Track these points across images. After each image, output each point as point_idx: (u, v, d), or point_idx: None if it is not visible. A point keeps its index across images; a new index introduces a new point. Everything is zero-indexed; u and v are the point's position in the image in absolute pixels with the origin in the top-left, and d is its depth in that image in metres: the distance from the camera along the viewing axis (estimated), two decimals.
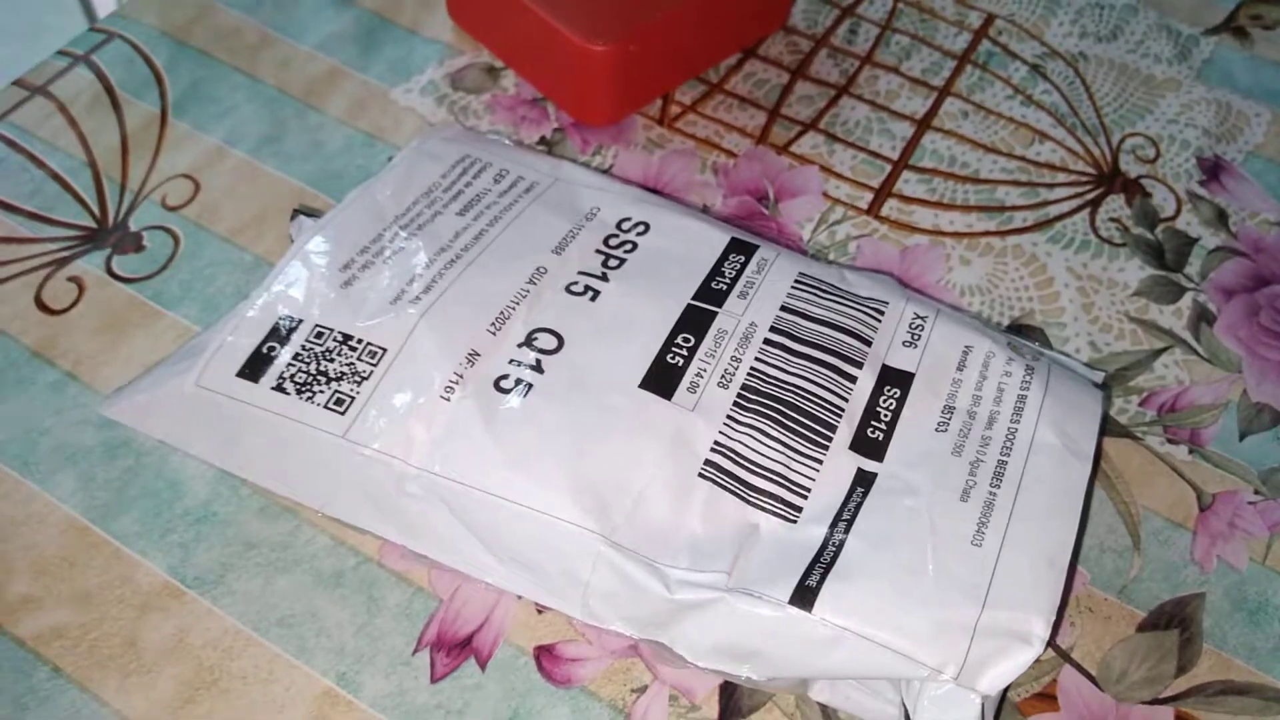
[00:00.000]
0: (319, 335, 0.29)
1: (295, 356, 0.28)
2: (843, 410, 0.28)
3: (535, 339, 0.29)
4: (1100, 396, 0.30)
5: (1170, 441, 0.33)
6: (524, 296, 0.29)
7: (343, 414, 0.27)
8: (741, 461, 0.27)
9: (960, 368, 0.29)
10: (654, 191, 0.36)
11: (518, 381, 0.28)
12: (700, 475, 0.27)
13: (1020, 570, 0.25)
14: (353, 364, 0.28)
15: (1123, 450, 0.32)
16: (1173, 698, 0.28)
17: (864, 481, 0.27)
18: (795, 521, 0.27)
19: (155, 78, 0.39)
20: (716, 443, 0.27)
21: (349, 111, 0.39)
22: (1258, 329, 0.35)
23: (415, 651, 0.28)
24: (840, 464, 0.27)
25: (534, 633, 0.28)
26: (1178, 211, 0.38)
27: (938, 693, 0.24)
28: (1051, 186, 0.38)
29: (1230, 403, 0.33)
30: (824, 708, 0.28)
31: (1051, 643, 0.29)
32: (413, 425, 0.27)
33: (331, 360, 0.28)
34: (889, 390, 0.29)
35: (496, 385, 0.28)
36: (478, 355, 0.28)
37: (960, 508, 0.26)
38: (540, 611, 0.29)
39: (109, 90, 0.39)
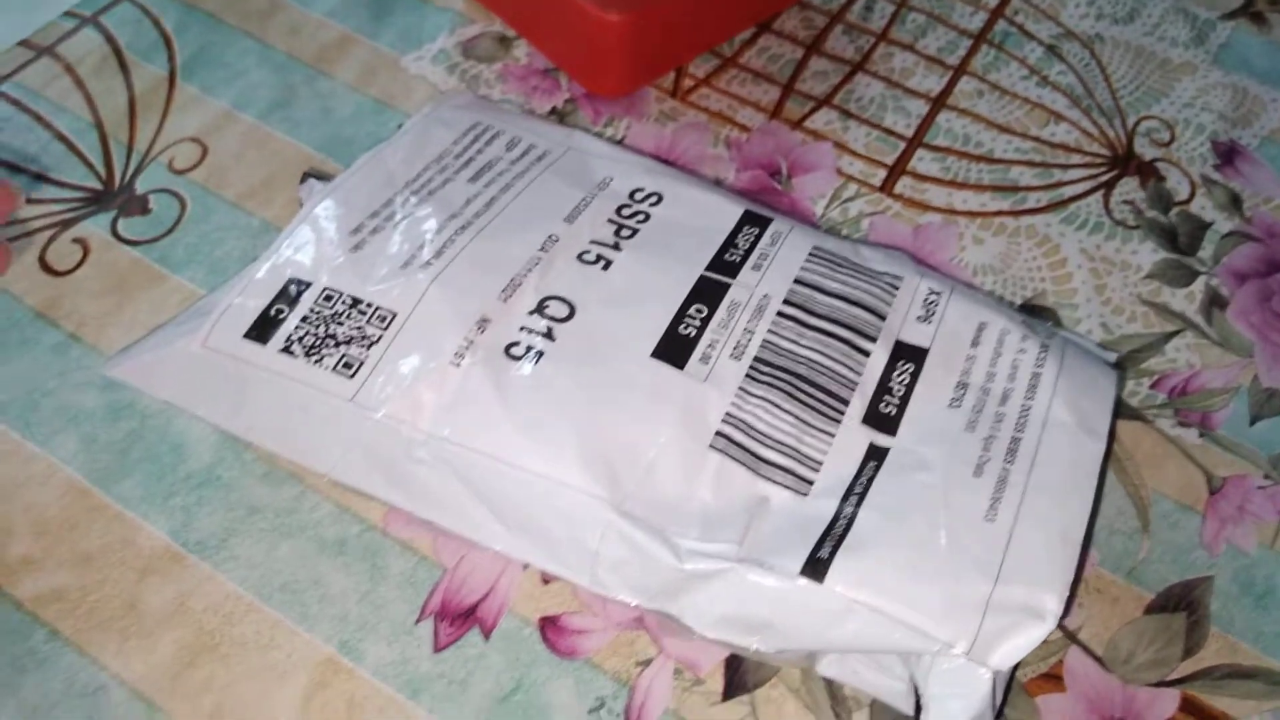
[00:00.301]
0: (328, 298, 0.28)
1: (304, 319, 0.28)
2: (855, 384, 0.28)
3: (547, 306, 0.28)
4: (1114, 375, 0.30)
5: (1181, 425, 0.32)
6: (535, 264, 0.29)
7: (351, 377, 0.27)
8: (753, 434, 0.27)
9: (975, 344, 0.29)
10: (667, 163, 0.35)
11: (529, 349, 0.27)
12: (711, 447, 0.27)
13: (1034, 546, 0.25)
14: (361, 328, 0.28)
15: (1133, 432, 0.32)
16: (1179, 680, 0.28)
17: (876, 455, 0.27)
18: (806, 494, 0.26)
19: (164, 40, 0.39)
20: (728, 414, 0.27)
21: (359, 78, 0.38)
22: (1270, 314, 0.35)
23: (419, 620, 0.28)
24: (853, 438, 0.27)
25: (539, 604, 0.28)
26: (1192, 195, 0.37)
27: (948, 668, 0.24)
28: (1066, 168, 0.38)
29: (1241, 387, 0.33)
30: (829, 683, 0.27)
31: (1062, 621, 0.29)
32: (422, 390, 0.27)
33: (340, 324, 0.28)
34: (902, 365, 0.28)
35: (507, 352, 0.27)
36: (488, 322, 0.28)
37: (973, 483, 0.26)
38: (546, 582, 0.29)
39: (117, 52, 0.38)
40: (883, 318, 0.29)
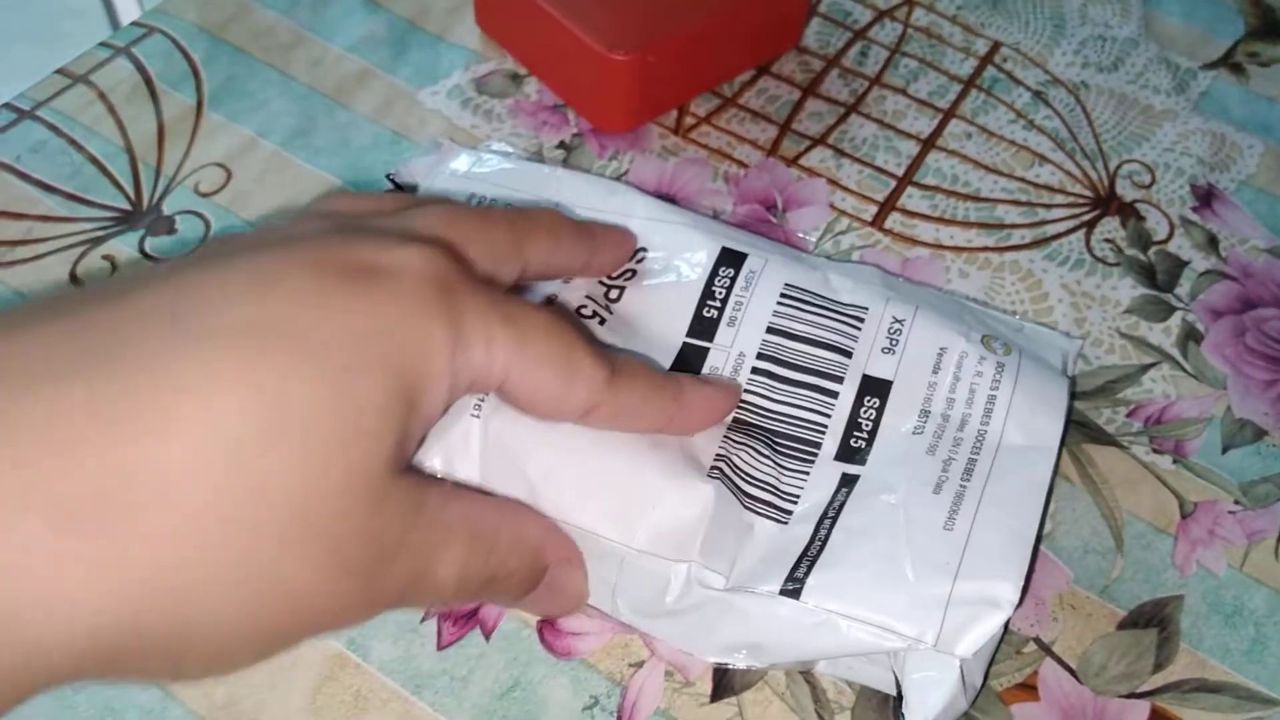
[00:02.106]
0: None
1: None
2: (826, 427, 0.30)
3: None
4: (1066, 385, 0.32)
5: (1155, 451, 0.34)
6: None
7: None
8: (738, 472, 0.29)
9: (935, 370, 0.31)
10: (659, 196, 0.37)
11: None
12: (706, 479, 0.28)
13: (989, 546, 0.27)
14: None
15: (1109, 458, 0.33)
16: (1149, 692, 0.29)
17: (848, 483, 0.29)
18: (786, 523, 0.29)
19: (192, 71, 0.41)
20: (717, 454, 0.29)
21: (377, 110, 0.40)
22: (1243, 349, 0.36)
23: (423, 620, 0.29)
24: (826, 472, 0.29)
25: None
26: (1170, 235, 0.39)
27: (920, 659, 0.26)
28: (1050, 207, 0.40)
29: (1214, 417, 0.35)
30: (813, 687, 0.29)
31: (1038, 634, 0.30)
32: (455, 442, 0.28)
33: None
34: (869, 400, 0.30)
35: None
36: None
37: (933, 499, 0.28)
38: None
39: (148, 81, 0.40)
40: (849, 355, 0.31)
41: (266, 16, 0.43)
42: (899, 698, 0.27)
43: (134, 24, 0.42)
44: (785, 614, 0.27)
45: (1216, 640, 0.30)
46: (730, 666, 0.29)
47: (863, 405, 0.30)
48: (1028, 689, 0.29)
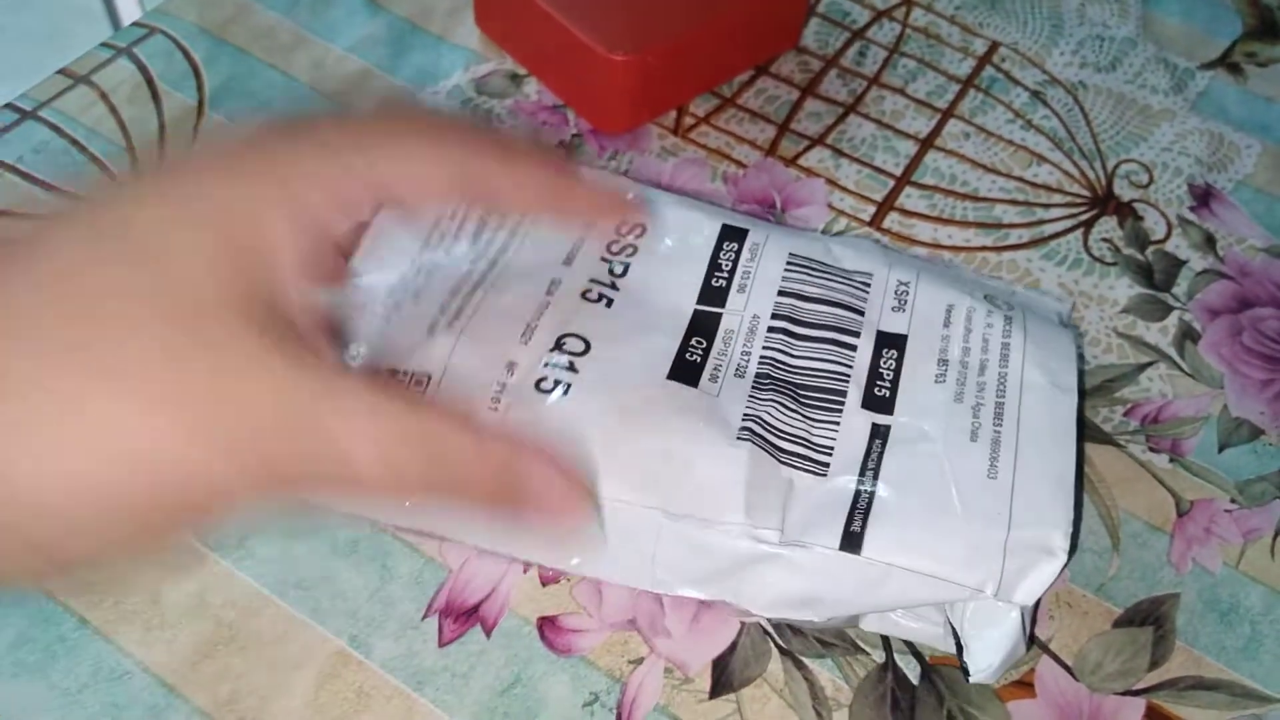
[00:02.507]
0: None
1: None
2: (849, 376, 0.30)
3: (564, 343, 0.30)
4: (1071, 333, 0.33)
5: (1152, 450, 0.34)
6: (545, 308, 0.31)
7: None
8: (769, 428, 0.29)
9: (946, 324, 0.32)
10: (648, 183, 0.37)
11: (556, 382, 0.29)
12: (739, 439, 0.28)
13: (1034, 493, 0.28)
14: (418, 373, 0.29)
15: (1106, 457, 0.34)
16: (1144, 690, 0.30)
17: (880, 434, 0.30)
18: (825, 475, 0.29)
19: (193, 71, 0.41)
20: (745, 414, 0.29)
21: None
22: (1240, 348, 0.36)
23: (424, 617, 0.30)
24: (855, 422, 0.30)
25: (538, 604, 0.30)
26: (1168, 235, 0.39)
27: (981, 609, 0.27)
28: (1047, 207, 0.40)
29: (1211, 416, 0.35)
30: (811, 684, 0.29)
31: (1035, 631, 0.30)
32: None
33: None
34: (887, 352, 0.31)
35: (537, 387, 0.29)
36: (515, 364, 0.30)
37: (971, 447, 0.29)
38: (544, 584, 0.30)
39: (149, 81, 0.41)
40: (861, 313, 0.32)
41: (268, 17, 0.43)
42: (959, 649, 0.27)
43: (135, 24, 0.42)
44: (845, 567, 0.28)
45: (1212, 638, 0.31)
46: (789, 619, 0.29)
47: (881, 357, 0.31)
48: (1024, 686, 0.30)
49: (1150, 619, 0.31)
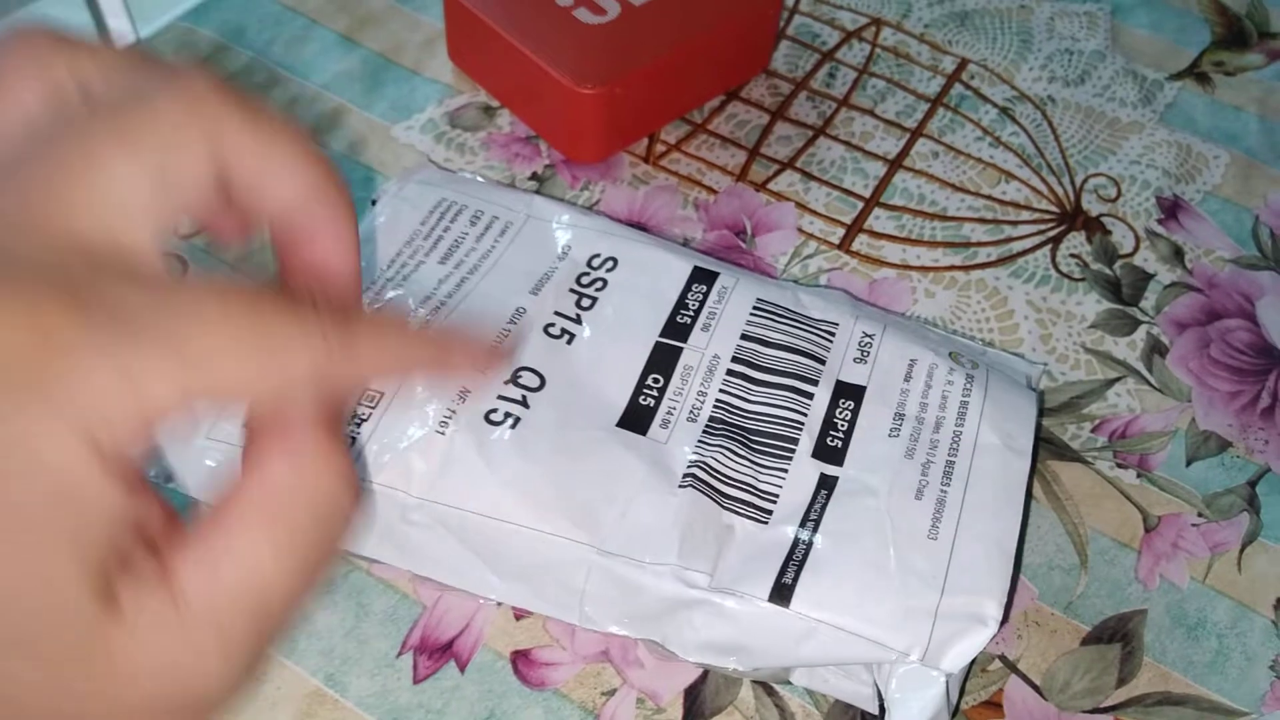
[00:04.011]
0: None
1: None
2: (803, 425, 0.30)
3: (520, 377, 0.31)
4: (1034, 397, 0.32)
5: (1120, 466, 0.34)
6: (506, 339, 0.32)
7: None
8: (714, 474, 0.29)
9: (907, 378, 0.32)
10: (630, 224, 0.37)
11: (506, 415, 0.30)
12: (680, 486, 0.29)
13: (973, 558, 0.28)
14: (353, 409, 0.30)
15: (1073, 474, 0.34)
16: (1113, 707, 0.30)
17: (827, 485, 0.30)
18: (767, 523, 0.29)
19: None
20: (691, 460, 0.29)
21: (352, 147, 0.41)
22: (1208, 360, 0.37)
23: (399, 654, 0.30)
24: (804, 471, 0.30)
25: (511, 638, 0.30)
26: (1136, 248, 0.40)
27: (905, 673, 0.27)
28: (1016, 224, 0.40)
29: (1179, 430, 0.35)
30: (781, 711, 0.29)
31: (1003, 651, 0.31)
32: (413, 459, 0.29)
33: None
34: (844, 403, 0.31)
35: (487, 418, 0.30)
36: (468, 392, 0.30)
37: (915, 505, 0.29)
38: (518, 618, 0.31)
39: None
40: (823, 362, 0.32)
41: (243, 56, 0.44)
42: (881, 711, 0.27)
43: None
44: (773, 618, 0.28)
45: (1180, 653, 0.31)
46: (713, 667, 0.29)
47: (838, 407, 0.31)
48: (993, 707, 0.30)
49: (1118, 636, 0.31)
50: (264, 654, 0.20)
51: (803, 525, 0.29)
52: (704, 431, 0.30)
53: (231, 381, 0.18)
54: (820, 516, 0.29)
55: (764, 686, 0.30)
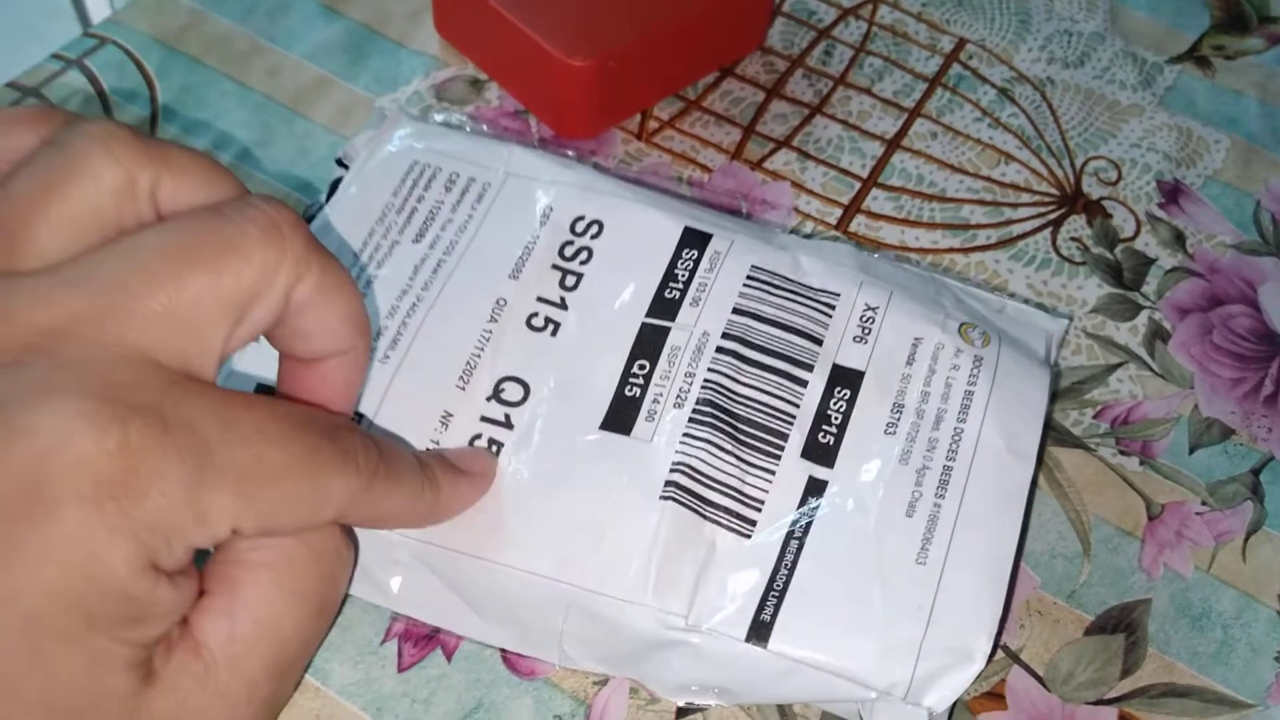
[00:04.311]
0: None
1: None
2: (794, 417, 0.29)
3: (502, 390, 0.29)
4: (1047, 380, 0.31)
5: (1122, 453, 0.34)
6: (487, 339, 0.30)
7: None
8: (698, 477, 0.28)
9: (909, 361, 0.30)
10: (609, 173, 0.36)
11: (490, 441, 0.28)
12: (661, 498, 0.28)
13: (963, 587, 0.27)
14: None
15: (1075, 460, 0.33)
16: (1117, 698, 0.29)
17: (815, 490, 0.28)
18: (750, 536, 0.28)
19: (146, 83, 0.40)
20: (675, 462, 0.28)
21: (335, 120, 0.40)
22: (1210, 347, 0.36)
23: (383, 641, 0.29)
24: (792, 473, 0.28)
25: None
26: (1137, 232, 0.39)
27: (888, 710, 0.26)
28: (1015, 206, 0.39)
29: (1181, 417, 0.35)
30: (782, 706, 0.29)
31: (999, 646, 0.30)
32: None
33: None
34: (839, 392, 0.29)
35: (470, 442, 0.28)
36: (450, 416, 0.29)
37: (906, 524, 0.28)
38: None
39: (100, 94, 0.40)
40: (819, 342, 0.30)
41: (222, 25, 0.42)
42: None
43: (86, 34, 0.42)
44: (750, 658, 0.26)
45: (1184, 643, 0.30)
46: (694, 705, 0.28)
47: (833, 396, 0.29)
48: (995, 698, 0.29)
49: (1122, 626, 0.31)
50: (285, 695, 0.23)
51: (786, 544, 0.27)
52: (691, 419, 0.29)
53: (281, 516, 0.20)
54: (805, 535, 0.27)
55: None
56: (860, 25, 0.44)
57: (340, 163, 0.34)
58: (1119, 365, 0.36)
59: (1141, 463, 0.34)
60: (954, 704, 0.27)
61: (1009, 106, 0.42)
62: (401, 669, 0.29)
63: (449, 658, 0.29)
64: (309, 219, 0.34)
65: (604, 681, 0.29)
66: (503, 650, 0.29)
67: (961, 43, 0.44)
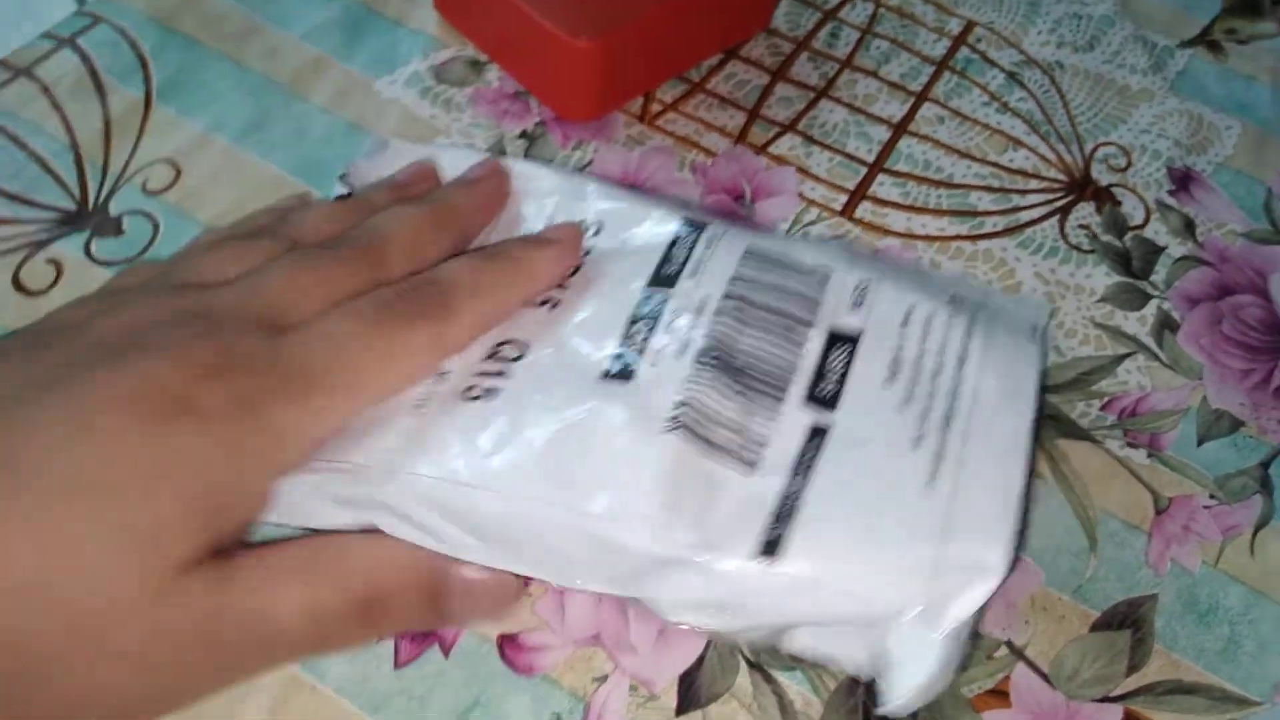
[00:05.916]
0: None
1: None
2: (795, 367, 0.29)
3: (499, 350, 0.29)
4: (1038, 347, 0.31)
5: (1130, 446, 0.33)
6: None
7: None
8: (701, 415, 0.28)
9: (904, 324, 0.30)
10: (624, 184, 0.36)
11: (485, 389, 0.28)
12: (665, 431, 0.27)
13: (973, 505, 0.26)
14: None
15: (1082, 453, 0.33)
16: (1122, 696, 0.29)
17: (818, 433, 0.28)
18: (754, 472, 0.27)
19: (141, 63, 0.40)
20: (679, 400, 0.28)
21: (333, 101, 0.39)
22: (1219, 337, 0.36)
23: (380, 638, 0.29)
24: (795, 417, 0.28)
25: (498, 621, 0.29)
26: (1146, 220, 0.38)
27: (901, 633, 0.25)
28: (1024, 193, 0.39)
29: (1190, 409, 0.34)
30: (780, 697, 0.28)
31: (1010, 637, 0.29)
32: (389, 437, 0.27)
33: None
34: (839, 347, 0.29)
35: (464, 394, 0.28)
36: (447, 374, 0.28)
37: (912, 455, 0.27)
38: None
39: (94, 74, 0.39)
40: (816, 307, 0.30)
41: (218, 3, 0.41)
42: (877, 670, 0.26)
43: (79, 13, 0.41)
44: (759, 577, 0.26)
45: (1191, 640, 0.30)
46: (699, 627, 0.27)
47: (831, 354, 0.29)
48: (999, 695, 0.29)
49: (1128, 622, 0.30)
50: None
51: (792, 476, 0.27)
52: (693, 365, 0.28)
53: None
54: (810, 466, 0.27)
55: (761, 673, 0.29)
56: (867, 7, 0.43)
57: (343, 179, 0.34)
58: (1127, 356, 0.35)
59: (1149, 455, 0.33)
60: (977, 640, 0.26)
61: (1018, 91, 0.41)
62: (398, 665, 0.28)
63: (446, 654, 0.28)
64: None
65: (604, 678, 0.28)
66: (500, 642, 0.29)
67: (970, 25, 0.43)
